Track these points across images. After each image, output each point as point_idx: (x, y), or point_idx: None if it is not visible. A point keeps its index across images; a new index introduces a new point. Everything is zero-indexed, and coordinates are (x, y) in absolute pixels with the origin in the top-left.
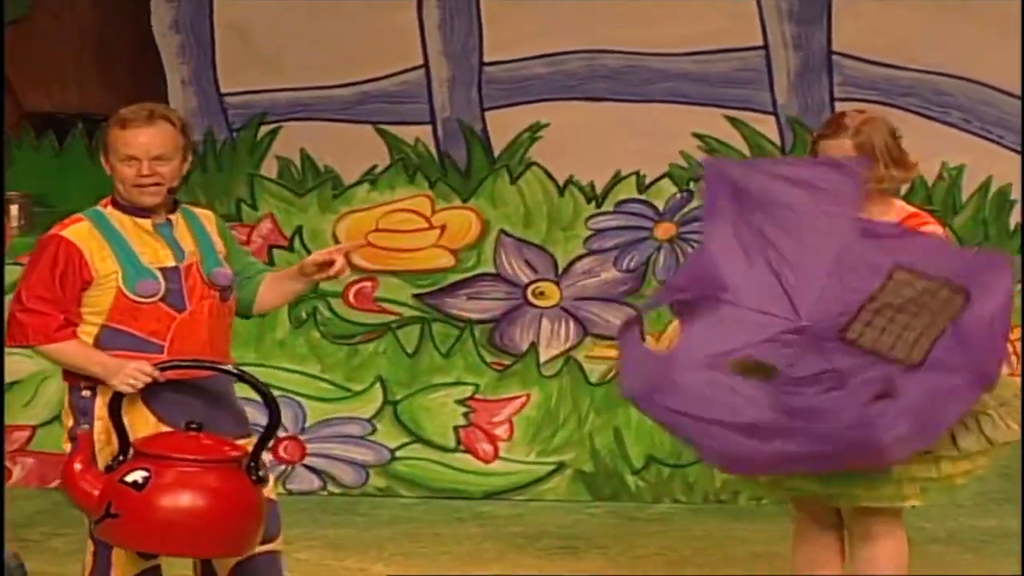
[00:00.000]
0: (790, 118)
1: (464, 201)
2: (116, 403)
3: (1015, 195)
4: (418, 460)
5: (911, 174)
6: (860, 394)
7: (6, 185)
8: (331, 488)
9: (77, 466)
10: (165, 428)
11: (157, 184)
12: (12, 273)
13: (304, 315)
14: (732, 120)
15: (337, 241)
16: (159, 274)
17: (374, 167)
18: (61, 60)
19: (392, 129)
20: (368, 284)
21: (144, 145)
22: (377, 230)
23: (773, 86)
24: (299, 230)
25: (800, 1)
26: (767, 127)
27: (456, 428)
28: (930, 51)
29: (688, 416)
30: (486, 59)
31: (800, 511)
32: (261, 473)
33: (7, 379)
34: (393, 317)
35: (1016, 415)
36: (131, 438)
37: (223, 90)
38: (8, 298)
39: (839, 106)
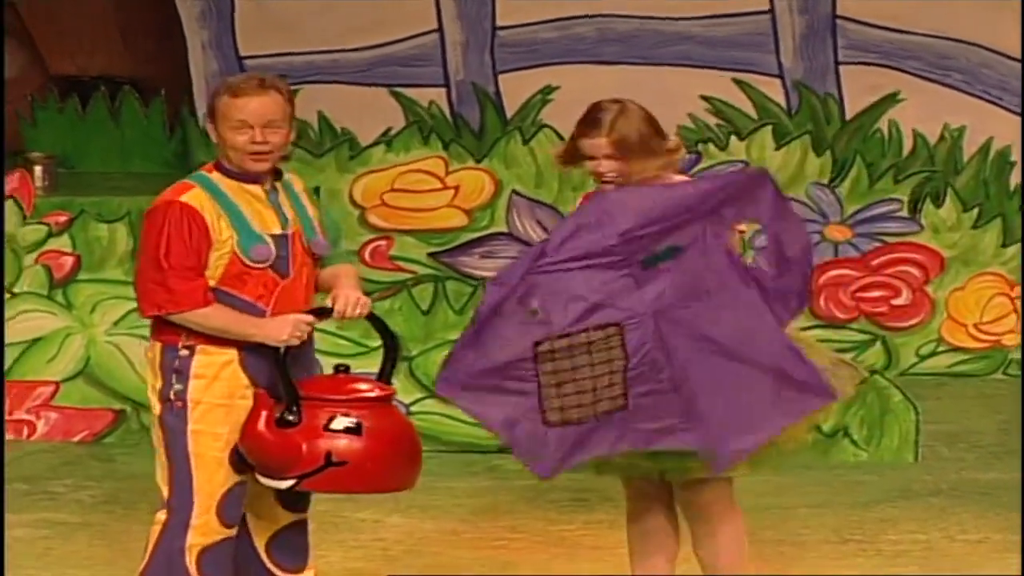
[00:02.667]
0: (795, 81)
1: (477, 162)
2: (284, 358)
3: (1015, 156)
4: (433, 415)
5: (673, 157)
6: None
7: (29, 147)
8: None
9: (262, 426)
10: (257, 389)
11: (269, 152)
12: (37, 232)
13: None
14: (739, 83)
15: (354, 201)
16: (270, 240)
17: (389, 129)
18: (85, 25)
19: (407, 92)
20: (383, 243)
21: (256, 112)
22: (392, 190)
23: (779, 49)
24: (316, 190)
25: None
26: (773, 89)
27: None
28: (932, 15)
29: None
30: (499, 24)
31: (630, 490)
32: None
33: (32, 336)
34: (408, 275)
35: (841, 383)
36: (220, 399)
37: (242, 54)
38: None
39: (843, 69)
